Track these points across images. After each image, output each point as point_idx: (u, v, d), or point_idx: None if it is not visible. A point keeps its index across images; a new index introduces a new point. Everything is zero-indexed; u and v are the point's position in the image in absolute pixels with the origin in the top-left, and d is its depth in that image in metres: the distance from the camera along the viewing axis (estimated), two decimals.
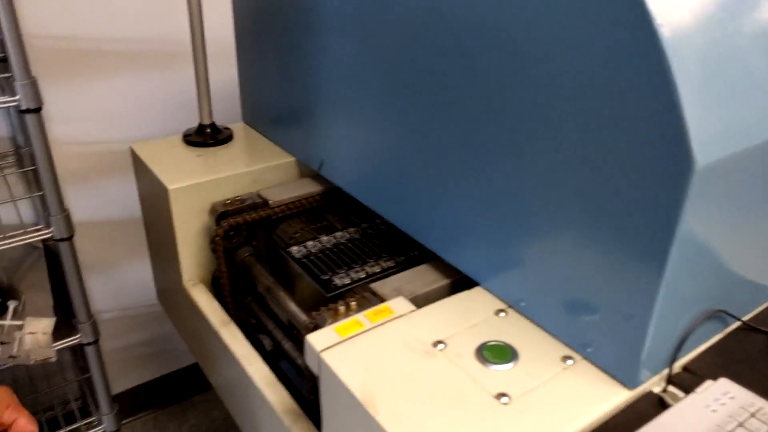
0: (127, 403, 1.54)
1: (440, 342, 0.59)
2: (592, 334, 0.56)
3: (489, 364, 0.57)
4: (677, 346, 0.54)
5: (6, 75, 1.00)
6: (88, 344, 1.22)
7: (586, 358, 0.57)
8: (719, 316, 0.58)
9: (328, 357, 0.58)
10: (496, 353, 0.58)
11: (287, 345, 0.83)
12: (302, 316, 0.75)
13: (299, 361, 0.81)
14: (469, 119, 0.62)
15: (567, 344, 0.58)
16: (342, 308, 0.67)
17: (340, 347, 0.59)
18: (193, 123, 1.09)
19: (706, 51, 0.46)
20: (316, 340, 0.60)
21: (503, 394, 0.53)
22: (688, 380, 0.54)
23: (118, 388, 1.52)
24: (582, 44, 0.49)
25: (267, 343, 0.97)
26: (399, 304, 0.65)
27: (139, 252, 1.41)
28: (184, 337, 1.09)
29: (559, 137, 0.53)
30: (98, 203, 1.33)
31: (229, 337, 0.84)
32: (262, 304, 0.91)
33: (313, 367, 0.61)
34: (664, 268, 0.47)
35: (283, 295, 0.81)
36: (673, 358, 0.54)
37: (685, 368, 0.56)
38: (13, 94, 0.96)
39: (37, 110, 0.99)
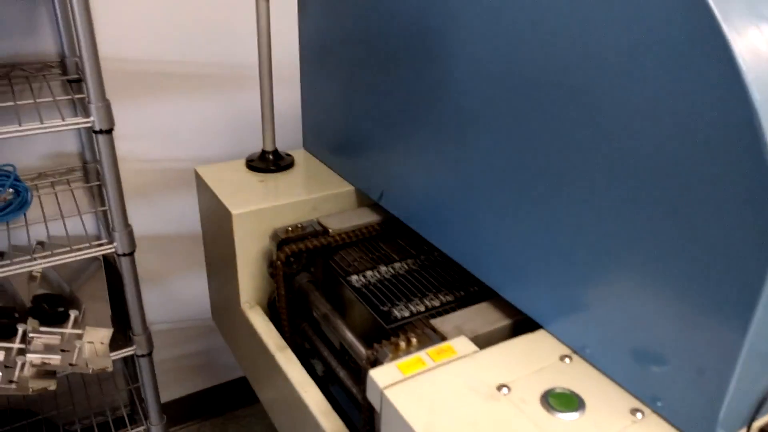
0: (173, 412, 1.57)
1: (504, 386, 0.59)
2: (664, 387, 0.55)
3: (555, 412, 0.56)
4: (757, 405, 0.52)
5: (80, 96, 1.05)
6: (142, 356, 1.25)
7: (656, 412, 0.56)
8: None
9: (391, 395, 0.59)
10: (562, 401, 0.57)
11: (342, 373, 0.84)
12: (362, 349, 0.75)
13: (354, 391, 0.81)
14: (541, 156, 0.62)
15: (635, 396, 0.57)
16: (403, 344, 0.68)
17: (404, 385, 0.60)
18: (254, 145, 1.11)
19: None
20: (379, 376, 0.61)
21: None
22: None
23: (165, 396, 1.55)
24: (672, 98, 0.49)
25: (319, 368, 0.97)
26: (462, 344, 0.65)
27: (193, 268, 1.44)
28: (235, 354, 1.11)
29: (644, 184, 0.52)
30: (157, 218, 1.37)
31: (285, 362, 0.85)
32: (317, 329, 0.92)
33: (375, 403, 0.61)
34: (750, 322, 0.46)
35: (341, 323, 0.82)
36: (753, 419, 0.52)
37: (762, 430, 0.54)
38: (87, 115, 1.00)
39: (109, 131, 1.03)
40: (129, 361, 1.44)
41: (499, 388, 0.59)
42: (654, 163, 0.51)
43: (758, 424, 0.54)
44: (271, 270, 0.94)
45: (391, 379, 0.60)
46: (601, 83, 0.54)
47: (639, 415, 0.56)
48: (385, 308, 0.78)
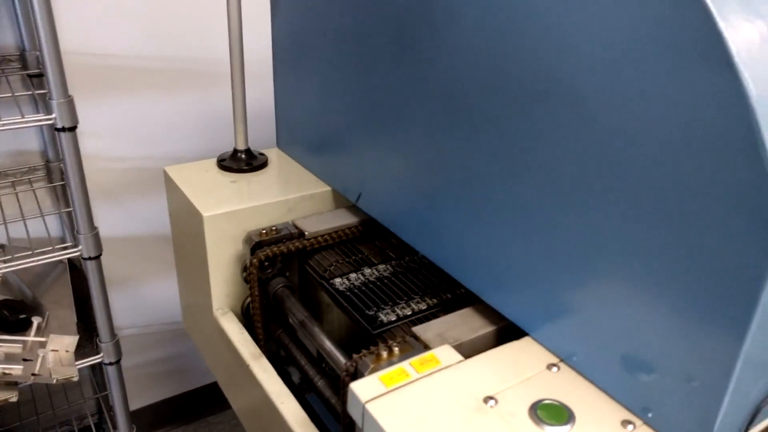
0: (142, 420, 1.52)
1: (491, 398, 0.57)
2: (655, 398, 0.53)
3: (544, 425, 0.54)
4: (752, 415, 0.51)
5: (42, 92, 1.00)
6: (110, 364, 1.20)
7: (648, 423, 0.54)
8: None
9: (374, 409, 0.56)
10: (551, 414, 0.55)
11: (320, 383, 0.81)
12: (341, 359, 0.72)
13: (332, 401, 0.78)
14: (525, 157, 0.60)
15: (626, 407, 0.56)
16: (384, 353, 0.65)
17: (386, 399, 0.57)
18: (225, 144, 1.07)
19: None
20: (360, 389, 0.58)
21: None
22: None
23: (134, 404, 1.50)
24: (666, 100, 0.47)
25: (295, 376, 0.94)
26: (446, 353, 0.63)
27: (163, 271, 1.40)
28: (207, 360, 1.07)
29: (634, 187, 0.50)
30: (124, 219, 1.32)
31: (260, 371, 0.81)
32: (293, 336, 0.89)
33: (356, 417, 0.59)
34: (747, 332, 0.45)
35: (319, 331, 0.79)
36: (747, 429, 0.51)
37: None
38: (49, 112, 0.96)
39: (72, 129, 0.98)
40: (96, 369, 1.39)
41: (486, 400, 0.57)
42: (645, 164, 0.49)
43: None
44: (245, 275, 0.91)
45: (374, 393, 0.57)
46: (590, 81, 0.52)
47: (630, 427, 0.54)
48: (371, 312, 0.76)
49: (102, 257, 1.11)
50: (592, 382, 0.59)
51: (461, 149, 0.67)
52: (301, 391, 0.88)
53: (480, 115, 0.64)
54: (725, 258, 0.45)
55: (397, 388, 0.58)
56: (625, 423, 0.54)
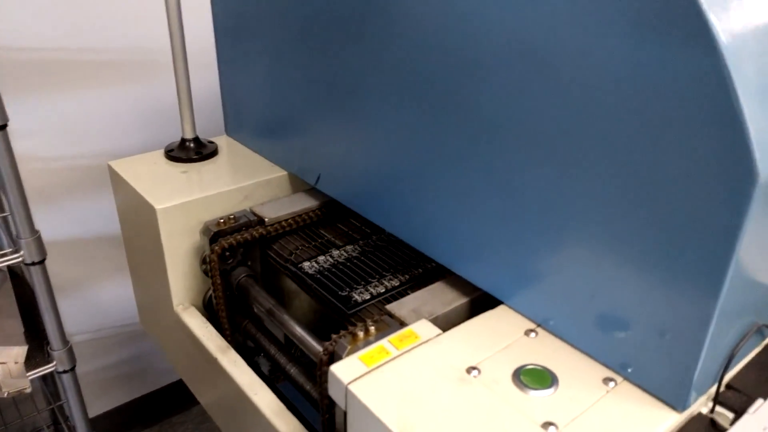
0: (103, 427, 1.47)
1: (474, 368, 0.57)
2: (632, 353, 0.54)
3: (528, 390, 0.54)
4: (725, 364, 0.52)
5: None
6: (64, 372, 1.15)
7: (628, 379, 0.55)
8: (761, 330, 0.57)
9: (357, 390, 0.55)
10: (534, 378, 0.55)
11: (293, 370, 0.79)
12: (314, 344, 0.71)
13: (307, 387, 0.77)
14: (487, 124, 0.59)
15: (605, 365, 0.56)
16: (361, 333, 0.64)
17: (369, 378, 0.56)
18: (170, 135, 1.03)
19: (765, 59, 0.44)
20: (341, 371, 0.57)
21: (550, 423, 0.51)
22: (733, 399, 0.53)
23: (93, 411, 1.44)
24: (632, 49, 0.47)
25: (265, 366, 0.92)
26: (424, 328, 0.62)
27: (111, 271, 1.34)
28: (170, 358, 1.03)
29: (603, 145, 0.51)
30: (64, 222, 1.25)
31: (230, 364, 0.79)
32: (260, 326, 0.87)
33: (338, 400, 0.57)
34: (722, 285, 0.46)
35: (288, 318, 0.77)
36: (722, 377, 0.52)
37: (728, 386, 0.54)
38: None
39: (2, 128, 0.91)
40: (48, 378, 1.32)
41: (469, 370, 0.56)
42: (612, 118, 0.49)
43: (726, 380, 0.54)
44: (205, 267, 0.88)
45: (355, 373, 0.56)
46: (563, 49, 0.51)
47: (612, 383, 0.55)
48: (344, 293, 0.74)
49: (45, 262, 1.05)
50: (570, 344, 0.59)
51: (422, 121, 0.66)
52: (271, 381, 0.86)
53: (441, 83, 0.63)
54: (701, 212, 0.46)
55: (378, 367, 0.57)
56: (607, 380, 0.55)
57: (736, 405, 0.52)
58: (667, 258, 0.49)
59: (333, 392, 0.58)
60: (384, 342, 0.60)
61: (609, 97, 0.49)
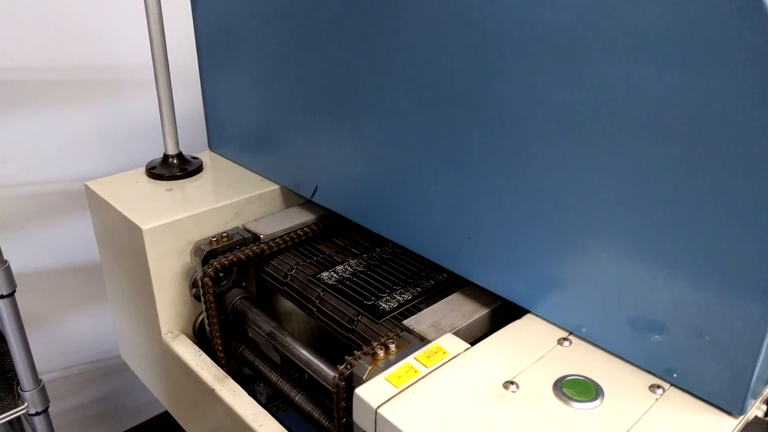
0: None
1: (511, 382, 0.52)
2: (676, 357, 0.50)
3: (573, 403, 0.50)
4: None
5: None
6: (36, 414, 1.06)
7: (675, 385, 0.51)
8: None
9: (388, 413, 0.50)
10: (578, 390, 0.51)
11: (298, 398, 0.73)
12: (325, 368, 0.65)
13: (315, 415, 0.71)
14: (513, 120, 0.56)
15: (648, 371, 0.53)
16: (380, 352, 0.59)
17: (399, 400, 0.51)
18: (145, 155, 0.97)
19: None
20: (368, 394, 0.52)
21: None
22: None
23: None
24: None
25: (263, 396, 0.86)
26: (451, 343, 0.58)
27: (85, 303, 1.25)
28: (156, 392, 0.96)
29: (642, 129, 0.48)
30: (30, 252, 1.17)
31: (229, 394, 0.73)
32: (258, 352, 0.81)
33: (366, 426, 0.52)
34: None
35: (292, 341, 0.72)
36: None
37: None
38: None
39: None
40: (16, 423, 1.23)
41: (506, 385, 0.52)
42: (651, 106, 0.46)
43: None
44: (195, 290, 0.82)
45: (384, 396, 0.52)
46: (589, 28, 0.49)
47: (659, 391, 0.51)
48: (370, 302, 0.69)
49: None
50: (607, 350, 0.56)
51: (436, 122, 0.62)
52: (271, 411, 0.80)
53: (460, 82, 0.59)
54: (755, 209, 0.43)
55: (408, 387, 0.52)
56: (654, 388, 0.51)
57: None
58: (719, 257, 0.46)
59: (358, 417, 0.53)
60: (410, 360, 0.56)
61: (646, 85, 0.46)
